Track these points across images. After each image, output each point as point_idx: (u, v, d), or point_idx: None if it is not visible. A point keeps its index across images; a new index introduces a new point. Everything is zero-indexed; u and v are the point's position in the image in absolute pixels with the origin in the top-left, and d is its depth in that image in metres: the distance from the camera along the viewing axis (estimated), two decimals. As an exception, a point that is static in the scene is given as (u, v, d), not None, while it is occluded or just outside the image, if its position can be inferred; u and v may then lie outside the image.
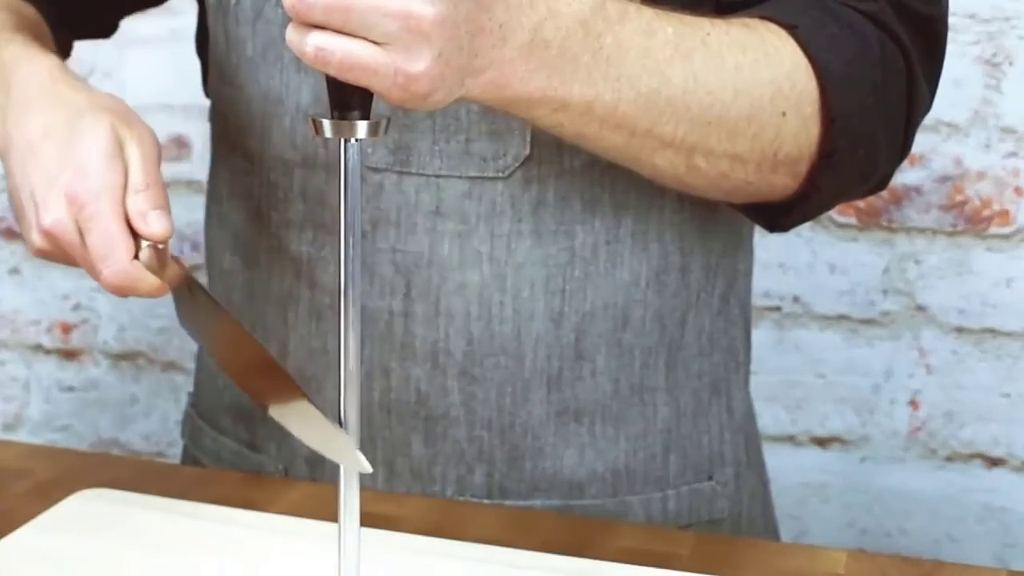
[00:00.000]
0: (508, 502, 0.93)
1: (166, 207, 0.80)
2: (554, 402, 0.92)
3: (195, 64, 1.06)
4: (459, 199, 0.89)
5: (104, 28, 1.11)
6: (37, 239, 0.81)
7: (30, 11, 0.99)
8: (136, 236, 0.79)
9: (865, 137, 0.87)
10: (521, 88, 0.76)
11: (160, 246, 0.79)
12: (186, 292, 0.78)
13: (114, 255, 0.78)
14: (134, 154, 0.81)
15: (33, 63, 0.87)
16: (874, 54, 0.86)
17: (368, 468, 0.70)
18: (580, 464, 0.93)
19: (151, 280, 0.79)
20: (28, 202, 0.81)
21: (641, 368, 0.93)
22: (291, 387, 0.72)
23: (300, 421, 0.73)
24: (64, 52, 1.07)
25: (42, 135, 0.82)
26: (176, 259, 0.79)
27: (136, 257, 0.78)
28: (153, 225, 0.79)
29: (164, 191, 0.81)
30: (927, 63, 0.90)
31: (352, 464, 0.71)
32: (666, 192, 0.90)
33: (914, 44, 0.88)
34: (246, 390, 0.75)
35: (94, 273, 0.79)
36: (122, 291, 0.79)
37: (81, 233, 0.79)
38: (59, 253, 0.81)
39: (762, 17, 0.86)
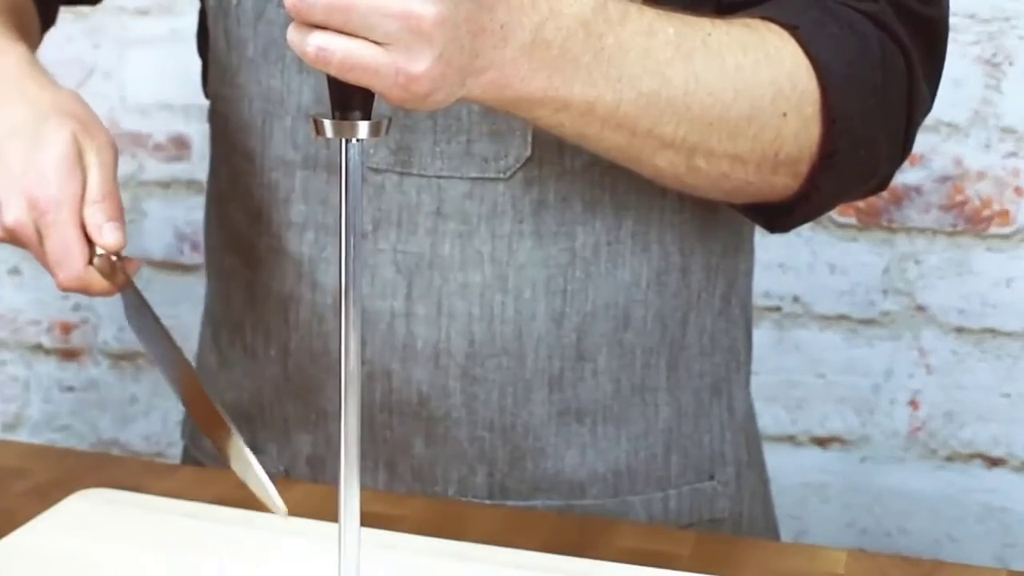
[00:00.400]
0: (509, 502, 0.93)
1: (120, 218, 0.85)
2: (555, 402, 0.92)
3: (195, 64, 1.06)
4: (460, 200, 0.89)
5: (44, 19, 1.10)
6: (2, 233, 0.85)
7: None
8: (91, 243, 0.84)
9: (866, 138, 0.87)
10: (522, 88, 0.76)
11: (113, 257, 0.84)
12: (133, 295, 0.85)
13: (69, 261, 0.83)
14: (93, 163, 0.85)
15: (2, 55, 0.90)
16: (875, 55, 0.86)
17: (283, 511, 0.77)
18: (581, 464, 0.93)
19: (103, 284, 0.84)
20: None
21: (642, 368, 0.93)
22: (220, 423, 0.79)
23: (234, 457, 0.79)
24: (48, 21, 1.07)
25: (6, 133, 0.86)
26: (125, 265, 0.84)
27: (90, 263, 0.84)
28: (107, 237, 0.84)
29: (119, 202, 0.86)
30: (927, 64, 0.90)
31: (272, 506, 0.77)
32: (667, 193, 0.90)
33: (914, 45, 0.88)
34: (185, 407, 0.83)
35: (51, 272, 0.84)
36: (75, 291, 0.85)
37: (40, 235, 0.84)
38: (20, 245, 0.86)
39: (763, 17, 0.86)
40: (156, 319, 0.84)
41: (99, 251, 0.84)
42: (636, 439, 0.94)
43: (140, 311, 0.84)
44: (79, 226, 0.84)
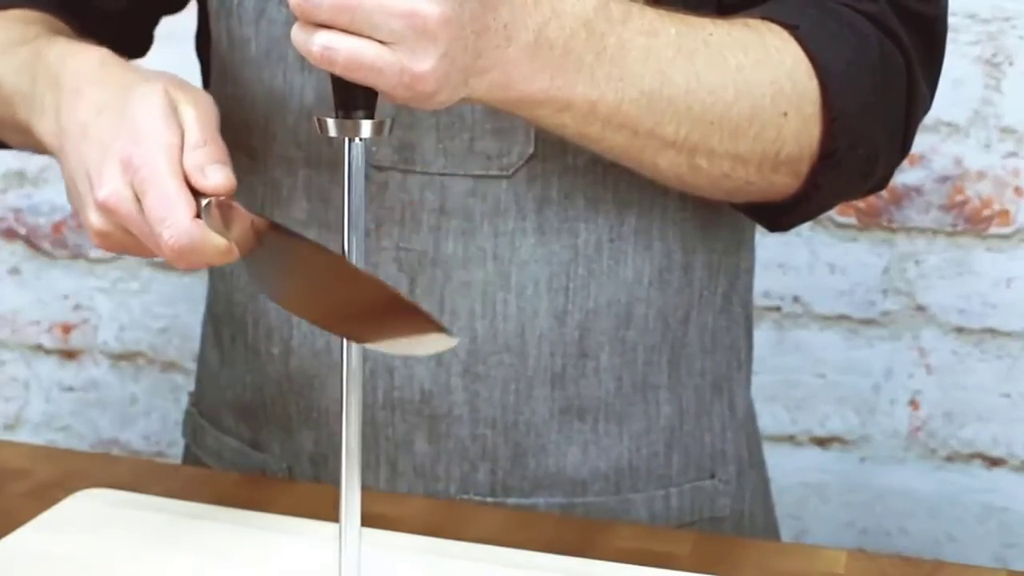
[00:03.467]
0: (511, 500, 0.93)
1: (226, 162, 0.77)
2: (557, 400, 0.92)
3: (194, 64, 1.06)
4: (463, 197, 0.89)
5: (138, 45, 1.08)
6: (94, 218, 0.78)
7: (66, 29, 0.98)
8: (197, 196, 0.74)
9: (865, 137, 0.87)
10: (525, 88, 0.76)
11: (223, 200, 0.73)
12: (264, 247, 0.70)
13: (173, 215, 0.73)
14: (189, 114, 0.78)
15: (81, 54, 0.86)
16: (874, 54, 0.86)
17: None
18: (583, 462, 0.93)
19: (217, 241, 0.74)
20: (83, 182, 0.78)
21: (644, 366, 0.93)
22: (424, 319, 0.64)
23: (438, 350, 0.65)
24: (139, 50, 1.06)
25: (95, 114, 0.80)
26: (249, 215, 0.71)
27: (198, 216, 0.74)
28: (212, 177, 0.75)
29: (223, 148, 0.78)
30: (927, 63, 0.90)
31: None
32: (669, 190, 0.90)
33: (914, 44, 0.88)
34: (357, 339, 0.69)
35: (155, 243, 0.75)
36: (186, 257, 0.74)
37: (139, 200, 0.75)
38: (118, 234, 0.78)
39: (763, 18, 0.86)
40: (331, 255, 0.68)
41: (205, 202, 0.73)
42: (638, 437, 0.94)
43: (289, 254, 0.69)
44: (180, 176, 0.75)
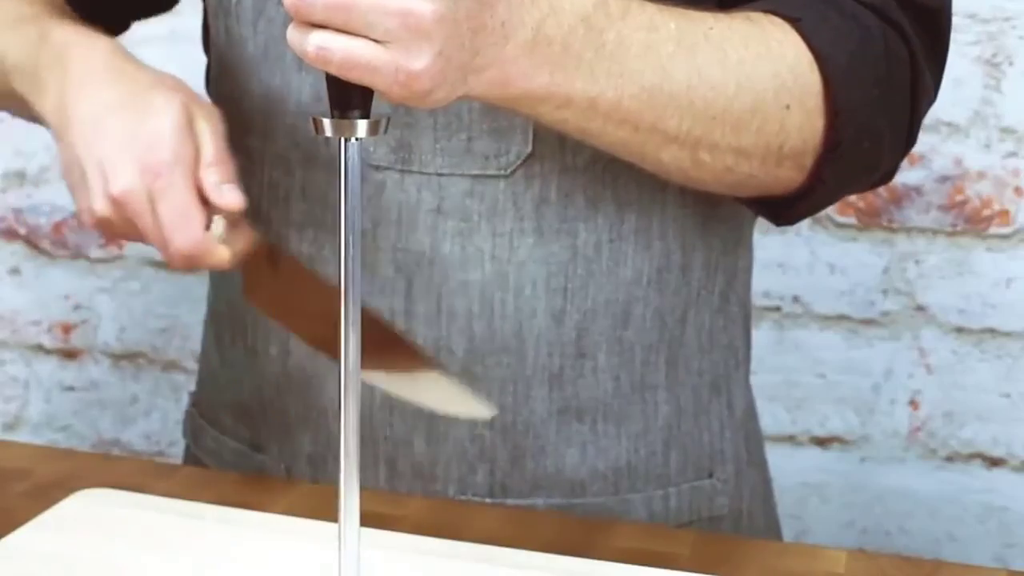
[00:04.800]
0: (510, 501, 0.93)
1: (236, 182, 0.83)
2: (556, 400, 0.92)
3: (195, 64, 1.06)
4: (461, 197, 0.89)
5: (115, 25, 1.10)
6: (102, 206, 0.83)
7: (66, 8, 0.99)
8: (207, 209, 0.82)
9: (870, 129, 0.87)
10: (524, 85, 0.76)
11: (235, 217, 0.81)
12: (261, 264, 0.82)
13: (188, 225, 0.81)
14: (204, 129, 0.84)
15: (91, 42, 0.89)
16: (877, 46, 0.86)
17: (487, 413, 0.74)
18: (582, 462, 0.93)
19: (222, 251, 0.82)
20: (94, 171, 0.82)
21: (642, 366, 0.93)
22: (415, 355, 0.75)
23: (428, 390, 0.74)
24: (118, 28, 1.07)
25: (109, 108, 0.84)
26: (241, 232, 0.82)
27: (207, 229, 0.81)
28: (228, 196, 0.82)
29: (232, 167, 0.84)
30: (930, 54, 0.90)
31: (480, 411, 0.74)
32: (668, 189, 0.90)
33: (917, 35, 0.88)
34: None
35: (162, 243, 0.82)
36: (191, 262, 0.82)
37: (152, 204, 0.81)
38: (119, 224, 0.83)
39: (765, 11, 0.86)
40: (321, 281, 0.79)
41: (216, 218, 0.82)
42: (636, 437, 0.94)
43: (284, 278, 0.80)
44: (195, 190, 0.82)
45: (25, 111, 0.93)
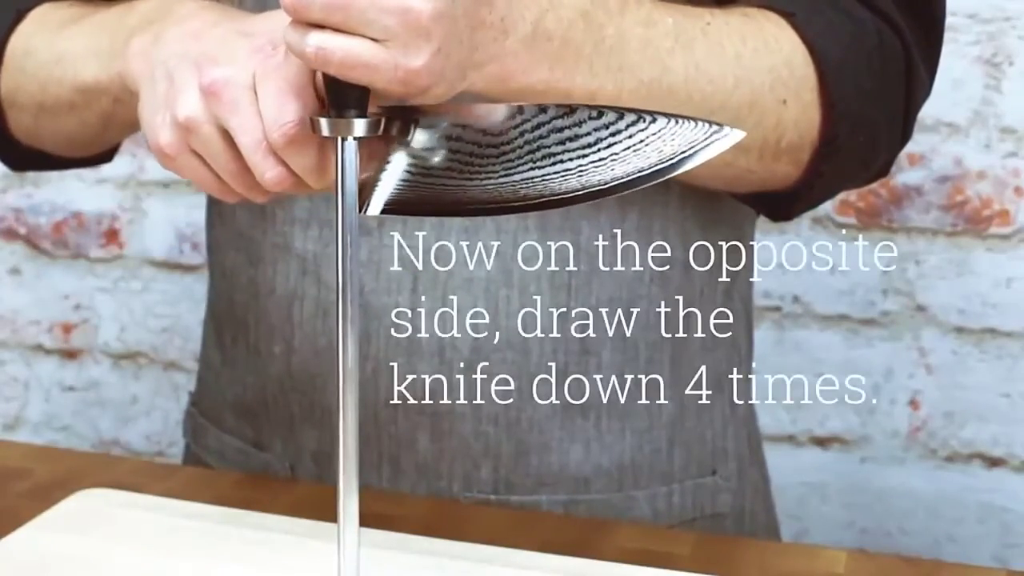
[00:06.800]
0: (514, 497, 0.93)
1: None
2: (559, 397, 0.92)
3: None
4: (466, 194, 0.89)
5: None
6: (190, 103, 0.73)
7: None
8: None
9: (865, 122, 0.87)
10: (523, 80, 0.76)
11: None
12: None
13: (288, 112, 0.71)
14: None
15: (188, 2, 0.82)
16: (871, 39, 0.87)
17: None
18: (586, 459, 0.93)
19: (312, 155, 0.72)
20: (187, 67, 0.74)
21: (645, 363, 0.93)
22: None
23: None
24: None
25: (211, 23, 0.76)
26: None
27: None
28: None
29: None
30: (925, 47, 0.90)
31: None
32: (671, 186, 0.90)
33: (911, 28, 0.89)
34: None
35: (253, 137, 0.72)
36: (282, 152, 0.72)
37: (255, 87, 0.72)
38: (204, 129, 0.73)
39: (760, 6, 0.86)
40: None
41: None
42: (640, 433, 0.94)
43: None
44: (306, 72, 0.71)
45: (89, 108, 0.87)
